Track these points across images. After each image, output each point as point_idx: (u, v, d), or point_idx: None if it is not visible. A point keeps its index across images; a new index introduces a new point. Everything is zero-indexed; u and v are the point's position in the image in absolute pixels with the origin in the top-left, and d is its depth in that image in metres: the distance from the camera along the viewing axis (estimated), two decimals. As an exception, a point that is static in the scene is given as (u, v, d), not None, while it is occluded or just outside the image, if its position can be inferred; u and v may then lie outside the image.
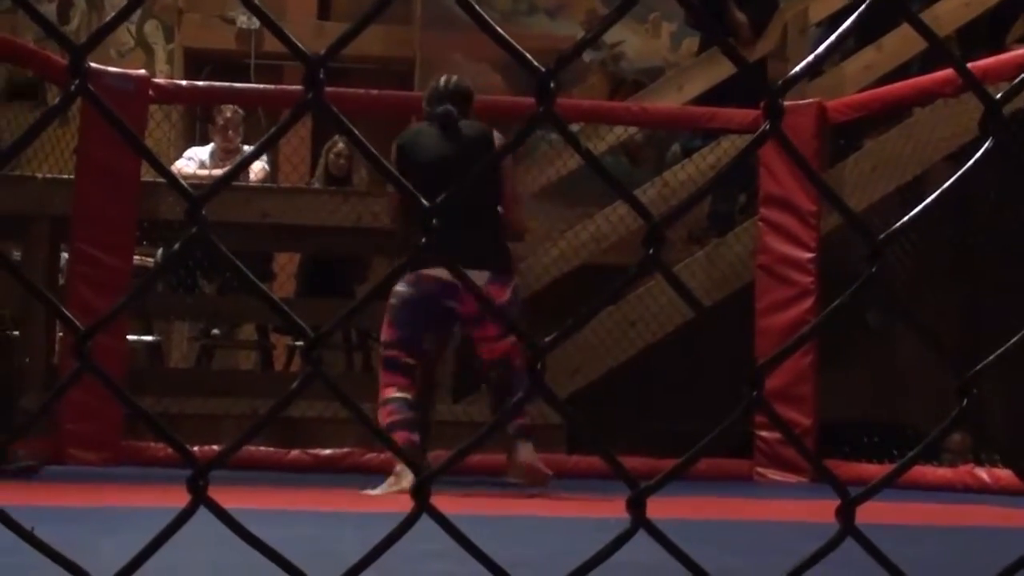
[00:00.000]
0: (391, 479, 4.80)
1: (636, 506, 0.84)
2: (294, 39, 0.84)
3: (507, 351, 4.98)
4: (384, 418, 4.84)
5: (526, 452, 4.95)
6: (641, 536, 0.89)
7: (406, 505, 0.89)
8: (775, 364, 0.94)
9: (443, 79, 5.22)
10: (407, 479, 4.68)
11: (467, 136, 5.01)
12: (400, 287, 4.95)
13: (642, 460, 5.71)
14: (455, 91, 5.13)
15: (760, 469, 6.52)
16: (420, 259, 4.72)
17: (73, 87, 0.80)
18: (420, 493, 0.87)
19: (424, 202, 0.86)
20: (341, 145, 7.94)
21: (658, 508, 0.95)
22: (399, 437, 4.73)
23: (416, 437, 4.84)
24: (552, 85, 0.80)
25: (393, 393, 4.88)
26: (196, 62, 9.84)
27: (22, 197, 6.66)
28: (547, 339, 0.91)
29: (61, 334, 6.87)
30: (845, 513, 0.94)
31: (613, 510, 1.43)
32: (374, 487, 4.79)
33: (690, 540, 1.01)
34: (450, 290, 4.84)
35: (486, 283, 4.86)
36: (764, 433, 6.47)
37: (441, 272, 4.81)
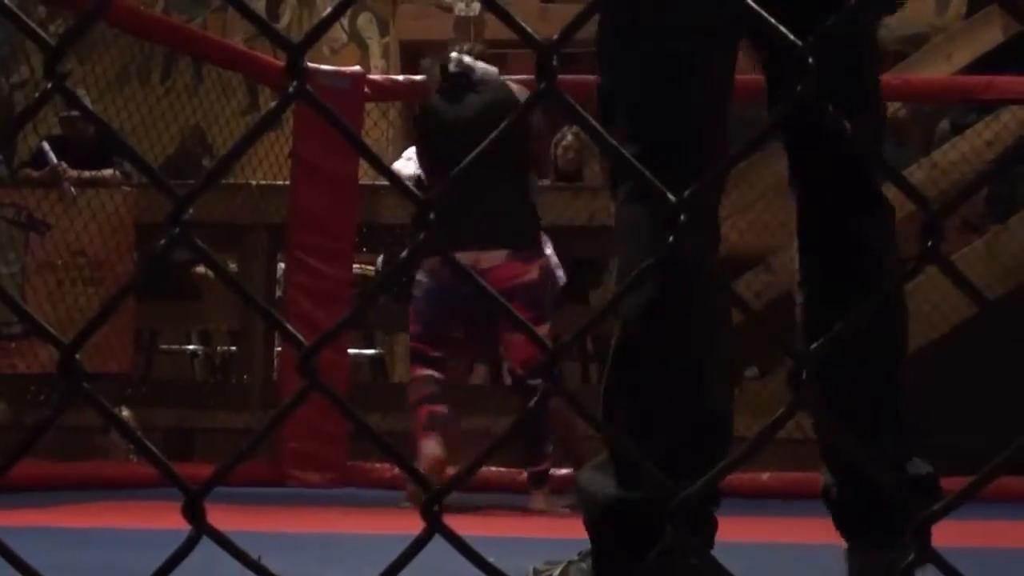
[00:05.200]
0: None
1: (922, 533, 0.82)
2: (522, 23, 0.84)
3: (535, 357, 4.70)
4: (410, 397, 5.04)
5: (538, 502, 4.94)
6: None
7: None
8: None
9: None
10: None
11: (482, 97, 4.92)
12: (420, 276, 4.98)
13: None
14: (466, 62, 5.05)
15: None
16: (435, 244, 4.72)
17: (292, 89, 0.82)
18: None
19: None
20: (570, 138, 8.00)
21: (942, 534, 0.92)
22: (420, 412, 4.93)
23: (440, 408, 4.95)
24: (811, 61, 0.78)
25: (418, 371, 5.04)
26: (412, 55, 10.05)
27: (237, 205, 6.93)
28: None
29: (279, 348, 7.12)
30: None
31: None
32: None
33: (977, 573, 0.97)
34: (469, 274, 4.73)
35: (505, 261, 4.77)
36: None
37: (459, 256, 4.73)
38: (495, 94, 4.92)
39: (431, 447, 4.83)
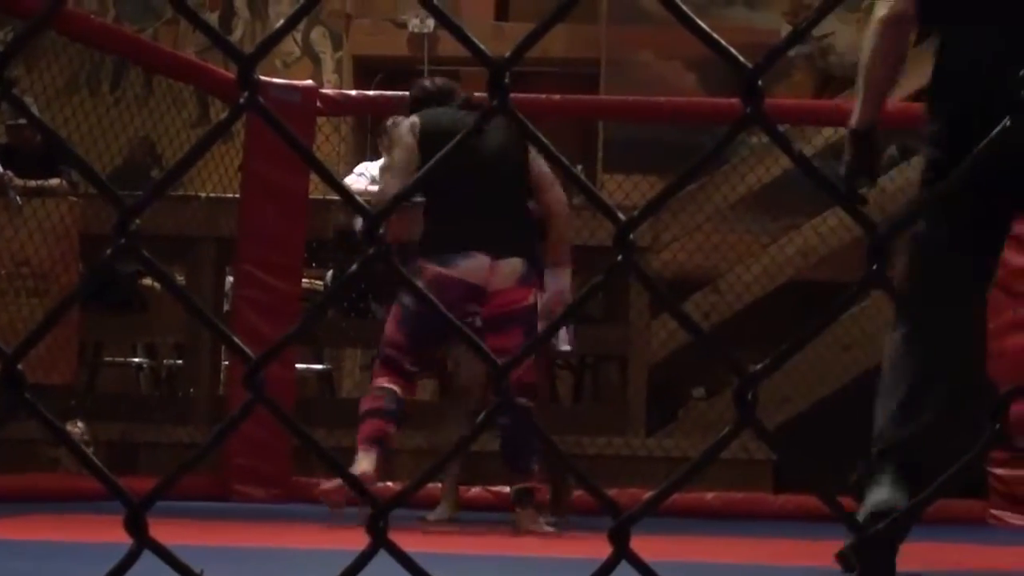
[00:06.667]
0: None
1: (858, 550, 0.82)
2: (476, 40, 0.84)
3: (532, 380, 4.78)
4: (364, 404, 4.90)
5: (525, 521, 4.78)
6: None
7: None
8: (1021, 393, 0.91)
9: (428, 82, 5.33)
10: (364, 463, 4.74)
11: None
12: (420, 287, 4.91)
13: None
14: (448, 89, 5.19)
15: (995, 512, 6.31)
16: (438, 254, 4.71)
17: (242, 100, 0.82)
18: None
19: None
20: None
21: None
22: (369, 426, 4.81)
23: (391, 428, 4.86)
24: (760, 83, 0.79)
25: (384, 383, 4.89)
26: (366, 70, 10.05)
27: (186, 217, 6.89)
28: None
29: (227, 362, 7.07)
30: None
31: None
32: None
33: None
34: (474, 293, 4.73)
35: (515, 284, 4.77)
36: (1000, 471, 6.26)
37: (466, 272, 4.71)
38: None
39: (366, 462, 4.75)
